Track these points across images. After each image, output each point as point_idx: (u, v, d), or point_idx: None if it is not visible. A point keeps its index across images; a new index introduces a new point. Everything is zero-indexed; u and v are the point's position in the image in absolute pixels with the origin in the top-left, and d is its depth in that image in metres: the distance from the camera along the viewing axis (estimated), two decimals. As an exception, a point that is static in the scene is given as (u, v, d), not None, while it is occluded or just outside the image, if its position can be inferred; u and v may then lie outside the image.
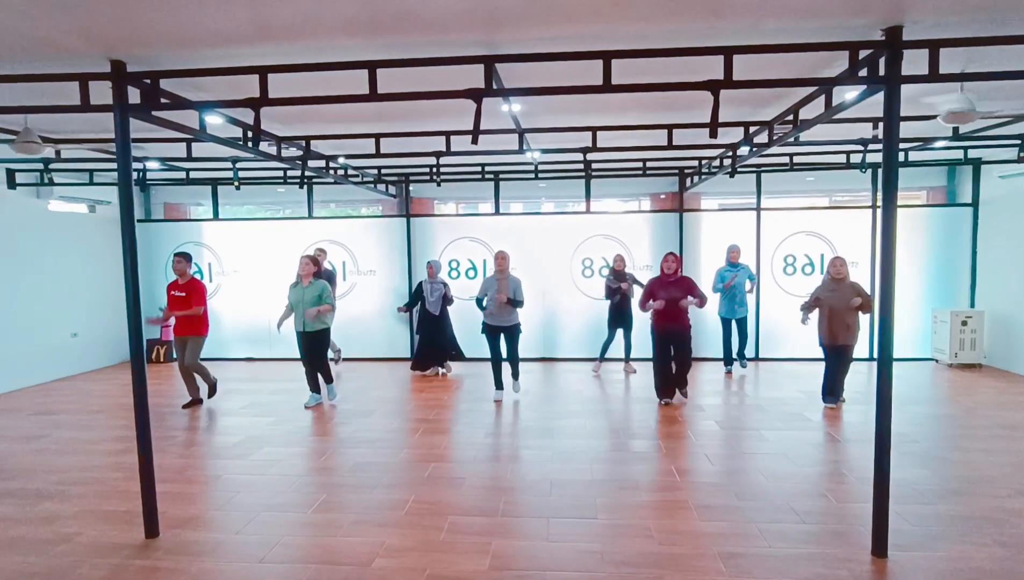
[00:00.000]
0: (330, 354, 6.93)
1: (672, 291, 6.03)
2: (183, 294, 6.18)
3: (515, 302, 6.33)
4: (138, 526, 3.56)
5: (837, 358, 5.99)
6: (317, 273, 6.52)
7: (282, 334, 6.69)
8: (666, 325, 6.11)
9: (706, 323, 8.28)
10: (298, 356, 6.51)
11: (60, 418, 6.16)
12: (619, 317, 7.79)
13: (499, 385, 6.66)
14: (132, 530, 3.58)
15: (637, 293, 7.87)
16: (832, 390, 6.07)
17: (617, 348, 8.00)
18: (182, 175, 8.27)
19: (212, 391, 6.60)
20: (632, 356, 8.04)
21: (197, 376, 6.47)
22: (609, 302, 7.81)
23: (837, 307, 5.81)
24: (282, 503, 3.97)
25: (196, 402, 6.52)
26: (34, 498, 4.12)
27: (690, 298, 6.01)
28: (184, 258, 6.32)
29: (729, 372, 7.91)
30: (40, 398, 7.09)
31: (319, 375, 6.49)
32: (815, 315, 6.05)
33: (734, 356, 7.98)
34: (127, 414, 5.95)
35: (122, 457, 4.87)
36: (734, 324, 7.87)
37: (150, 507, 3.53)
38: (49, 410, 6.51)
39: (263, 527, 3.63)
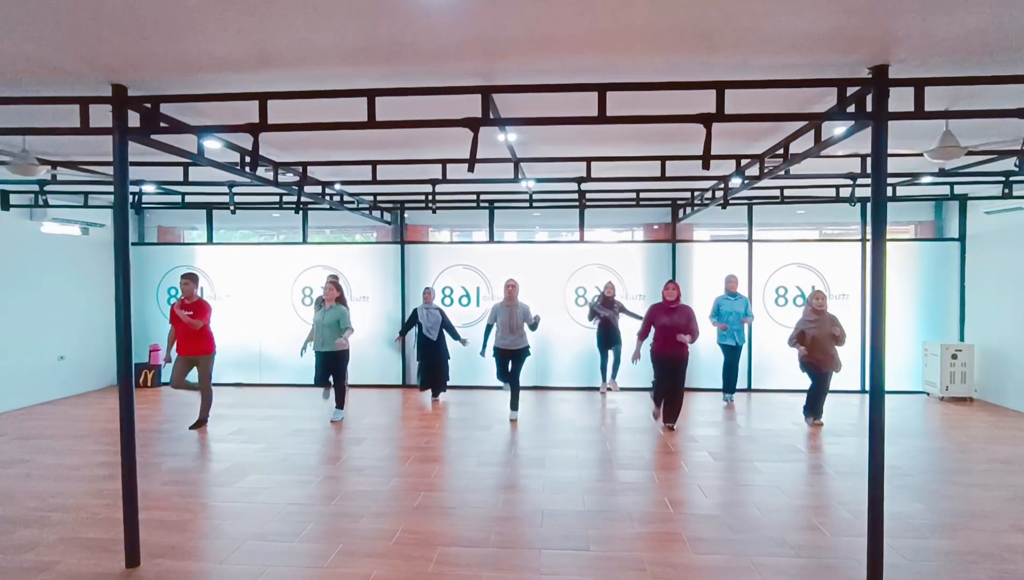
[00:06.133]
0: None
1: (674, 318, 6.23)
2: (189, 314, 6.19)
3: (533, 326, 6.73)
4: (119, 555, 3.47)
5: (820, 381, 6.53)
6: (339, 298, 6.90)
7: (303, 359, 7.14)
8: (665, 350, 6.26)
9: (700, 353, 8.27)
10: (308, 379, 6.96)
11: (43, 443, 6.03)
12: (607, 338, 8.06)
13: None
14: (113, 559, 3.48)
15: (625, 320, 7.98)
16: (812, 408, 6.60)
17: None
18: (177, 199, 8.29)
19: (201, 423, 6.43)
20: (619, 375, 8.23)
21: (191, 393, 6.47)
22: (596, 325, 8.08)
23: (820, 337, 6.35)
24: (268, 532, 3.88)
25: (202, 423, 6.44)
26: (12, 525, 4.00)
27: (680, 337, 6.15)
28: (191, 279, 6.37)
29: (729, 402, 7.85)
30: (24, 422, 6.95)
31: (333, 391, 6.89)
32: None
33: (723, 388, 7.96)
34: (112, 439, 5.83)
35: (105, 483, 4.76)
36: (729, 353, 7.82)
37: (132, 535, 3.44)
38: (32, 434, 6.37)
39: (248, 556, 3.54)
